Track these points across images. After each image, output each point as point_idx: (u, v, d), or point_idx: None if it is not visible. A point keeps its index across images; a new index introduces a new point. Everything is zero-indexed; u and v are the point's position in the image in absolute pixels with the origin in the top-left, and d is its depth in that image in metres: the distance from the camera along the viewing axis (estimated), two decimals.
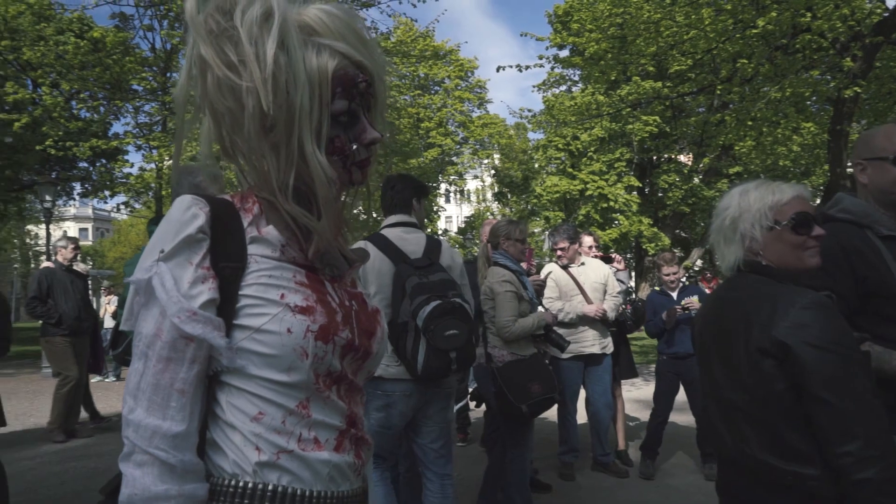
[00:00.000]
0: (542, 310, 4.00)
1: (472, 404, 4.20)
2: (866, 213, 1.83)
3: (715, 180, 17.26)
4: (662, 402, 4.64)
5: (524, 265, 3.76)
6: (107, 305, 12.37)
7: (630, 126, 15.73)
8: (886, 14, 8.11)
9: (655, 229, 17.35)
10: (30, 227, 32.15)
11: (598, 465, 4.66)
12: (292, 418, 0.83)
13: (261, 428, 0.82)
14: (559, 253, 4.66)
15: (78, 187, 17.70)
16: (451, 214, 40.57)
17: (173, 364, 0.78)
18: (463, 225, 29.36)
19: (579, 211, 18.09)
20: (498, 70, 10.72)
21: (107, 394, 8.48)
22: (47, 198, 12.59)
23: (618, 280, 4.83)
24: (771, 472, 1.42)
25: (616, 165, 17.75)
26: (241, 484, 0.81)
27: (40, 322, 5.89)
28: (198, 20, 0.79)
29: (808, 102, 10.52)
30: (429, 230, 22.80)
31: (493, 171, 25.62)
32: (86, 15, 12.62)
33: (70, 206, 34.26)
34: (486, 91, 24.55)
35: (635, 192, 18.26)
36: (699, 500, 4.06)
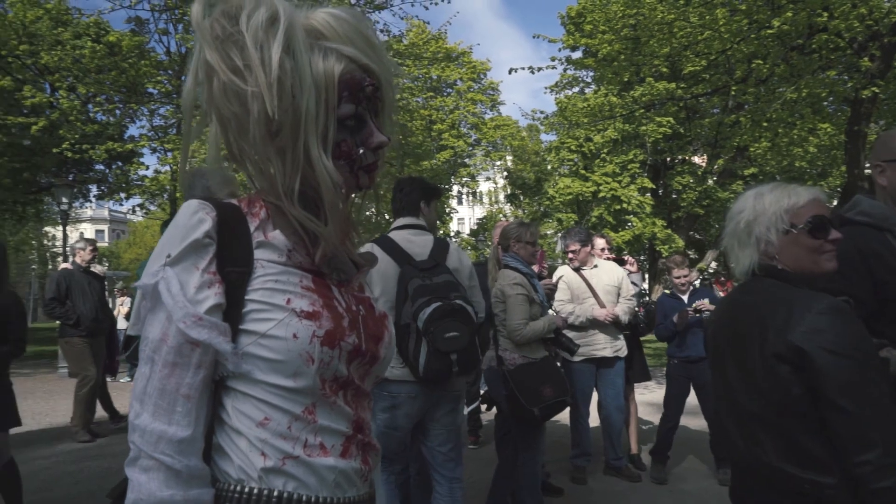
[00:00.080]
0: (552, 313, 3.98)
1: (483, 407, 4.18)
2: (885, 215, 1.80)
3: (730, 182, 17.12)
4: (673, 406, 4.59)
5: (535, 268, 3.75)
6: (120, 307, 12.50)
7: (643, 127, 15.65)
8: None
9: (669, 231, 17.24)
10: (47, 228, 32.58)
11: (610, 469, 4.62)
12: (298, 424, 0.83)
13: (266, 433, 0.81)
14: (570, 256, 4.64)
15: (94, 189, 17.96)
16: (464, 216, 40.55)
17: (179, 369, 0.78)
18: (475, 227, 29.35)
19: (592, 213, 18.02)
20: (510, 72, 10.72)
21: (122, 394, 8.55)
22: (64, 200, 12.75)
23: (631, 283, 4.80)
24: (787, 480, 1.39)
25: (629, 167, 17.67)
26: (246, 490, 0.81)
27: (57, 322, 5.95)
28: (203, 25, 0.79)
29: (825, 103, 10.38)
30: (441, 232, 22.82)
31: (505, 173, 25.60)
32: (102, 19, 12.79)
33: (86, 207, 34.74)
34: (499, 93, 24.55)
35: (649, 194, 18.15)
36: None
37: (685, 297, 4.66)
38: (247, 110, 0.80)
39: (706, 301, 4.45)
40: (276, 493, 0.81)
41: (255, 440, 0.81)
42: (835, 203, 12.71)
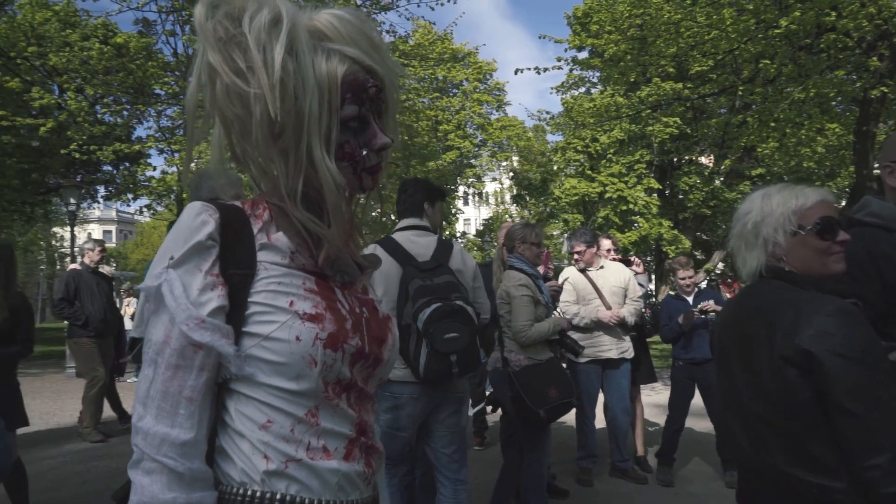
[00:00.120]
0: (557, 314, 3.96)
1: (489, 409, 4.18)
2: (895, 216, 1.78)
3: (737, 182, 17.05)
4: (678, 408, 4.57)
5: (541, 269, 3.73)
6: (126, 307, 12.55)
7: (650, 128, 15.62)
8: None
9: (676, 232, 17.18)
10: (55, 229, 32.79)
11: (616, 470, 4.61)
12: (301, 426, 0.83)
13: (269, 436, 0.81)
14: (576, 257, 4.63)
15: (102, 190, 18.08)
16: (470, 217, 40.56)
17: (182, 371, 0.78)
18: (481, 227, 29.32)
19: (598, 213, 17.98)
20: (516, 72, 10.72)
21: (129, 394, 8.60)
22: (72, 200, 12.83)
23: (637, 284, 4.78)
24: (795, 484, 1.38)
25: (636, 167, 17.62)
26: (249, 492, 0.81)
27: (65, 323, 5.98)
28: (206, 27, 0.79)
29: (833, 103, 10.34)
30: (447, 232, 22.82)
31: (511, 174, 25.55)
32: (110, 21, 12.86)
33: (94, 208, 34.92)
34: (505, 93, 24.53)
35: (655, 195, 18.09)
36: None
37: (690, 299, 4.64)
38: (249, 112, 0.80)
39: (711, 302, 4.43)
40: (278, 497, 0.81)
41: (257, 443, 0.81)
42: (843, 204, 12.64)
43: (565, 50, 14.57)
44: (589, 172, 18.28)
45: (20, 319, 3.39)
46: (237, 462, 0.82)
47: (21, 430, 3.37)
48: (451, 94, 23.28)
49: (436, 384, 2.59)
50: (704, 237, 20.18)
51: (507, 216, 26.44)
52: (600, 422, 4.60)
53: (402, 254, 2.68)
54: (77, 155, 12.13)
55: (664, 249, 16.93)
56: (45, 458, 5.07)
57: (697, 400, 4.56)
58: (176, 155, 12.62)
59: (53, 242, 36.81)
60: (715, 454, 4.74)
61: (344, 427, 0.87)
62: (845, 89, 8.95)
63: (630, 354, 4.50)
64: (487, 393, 4.34)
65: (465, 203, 34.36)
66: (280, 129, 0.81)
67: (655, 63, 10.52)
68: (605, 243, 5.02)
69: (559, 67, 12.51)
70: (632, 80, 11.72)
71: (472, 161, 24.18)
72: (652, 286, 16.46)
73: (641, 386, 5.07)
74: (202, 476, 0.79)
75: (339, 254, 0.91)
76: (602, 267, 4.62)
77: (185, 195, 12.98)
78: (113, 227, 53.52)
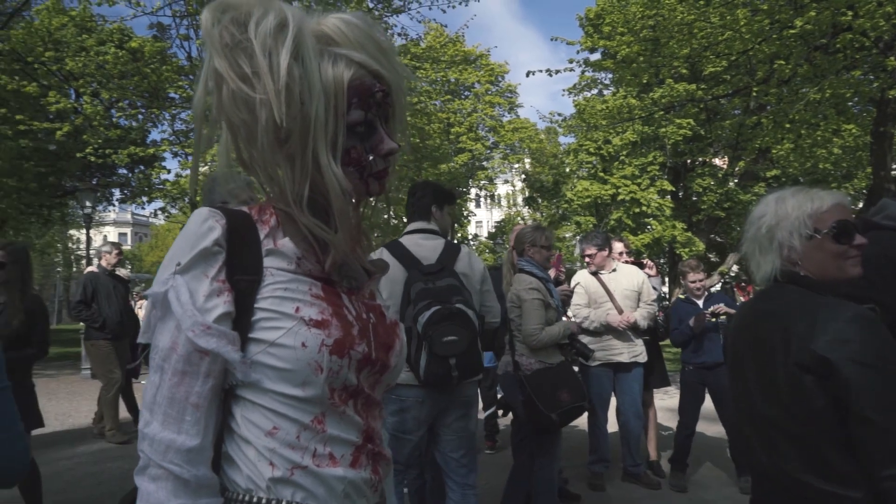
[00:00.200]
0: (567, 318, 3.94)
1: (500, 413, 4.16)
2: None
3: (752, 184, 16.88)
4: (689, 413, 4.52)
5: (552, 272, 3.71)
6: (139, 310, 12.65)
7: (663, 129, 15.51)
8: None
9: (689, 234, 17.05)
10: (72, 231, 33.18)
11: (628, 475, 4.57)
12: (307, 433, 0.82)
13: (275, 443, 0.81)
14: (587, 260, 4.61)
15: (117, 193, 18.29)
16: (482, 219, 40.54)
17: (188, 378, 0.78)
18: (493, 230, 29.29)
19: (611, 216, 17.89)
20: (528, 75, 10.72)
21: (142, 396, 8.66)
22: (87, 203, 12.98)
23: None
24: (810, 493, 1.35)
25: (649, 169, 17.51)
26: (254, 499, 0.80)
27: (81, 324, 6.03)
28: (213, 33, 0.79)
29: (850, 104, 10.20)
30: (459, 235, 22.82)
31: (523, 176, 25.51)
32: (125, 26, 13.00)
33: (110, 211, 35.33)
34: (517, 95, 24.51)
35: (668, 197, 17.97)
36: None
37: (700, 302, 4.60)
38: (255, 117, 0.79)
39: (722, 305, 4.39)
40: None
41: (263, 449, 0.81)
42: (860, 206, 12.47)
43: (577, 52, 14.54)
44: (601, 174, 18.20)
45: (36, 321, 3.43)
46: (243, 469, 0.81)
47: (36, 431, 3.40)
48: (462, 97, 23.30)
49: (437, 387, 2.58)
50: (718, 239, 20.01)
51: (519, 218, 26.40)
52: (612, 426, 4.56)
53: (408, 257, 2.68)
54: (93, 158, 12.27)
55: (678, 252, 16.81)
56: (60, 459, 5.12)
57: (709, 404, 4.51)
58: (190, 158, 12.73)
59: (70, 245, 37.26)
60: (728, 459, 4.69)
61: (350, 434, 0.86)
62: (862, 90, 8.82)
63: (643, 359, 4.46)
64: (499, 396, 4.32)
65: (477, 205, 34.34)
66: (286, 135, 0.81)
67: (668, 64, 10.45)
68: (618, 246, 4.98)
69: (571, 69, 12.49)
70: (644, 81, 11.63)
71: (484, 163, 24.18)
72: (665, 289, 16.35)
73: (655, 390, 5.03)
74: (208, 483, 0.79)
75: (346, 259, 0.91)
76: (615, 270, 4.59)
77: (198, 198, 13.08)
78: (128, 230, 54.10)
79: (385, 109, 0.87)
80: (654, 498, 4.29)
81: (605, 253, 4.57)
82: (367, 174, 0.87)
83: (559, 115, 19.14)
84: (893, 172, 8.81)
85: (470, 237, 25.91)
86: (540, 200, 23.53)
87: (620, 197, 17.29)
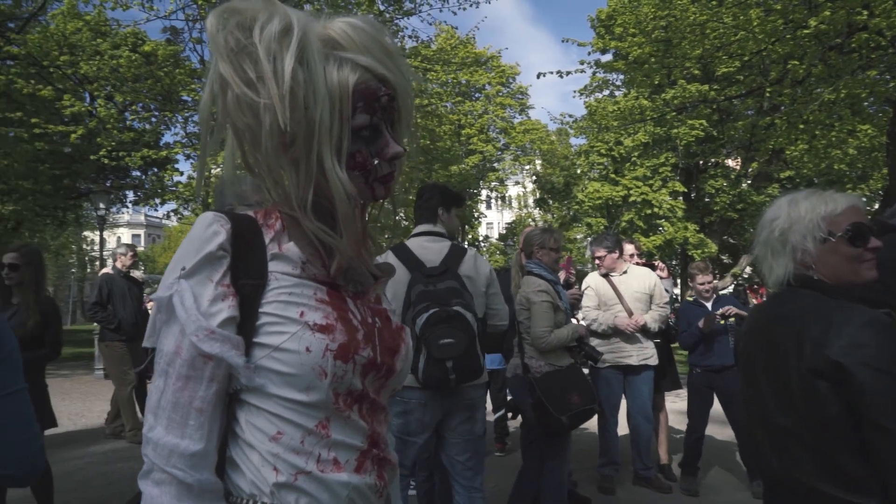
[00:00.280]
0: (575, 321, 3.92)
1: (509, 416, 4.14)
2: None
3: (765, 185, 16.73)
4: (697, 417, 4.48)
5: (562, 274, 3.69)
6: (151, 311, 12.76)
7: (675, 130, 15.41)
8: None
9: (702, 236, 16.92)
10: (86, 233, 33.55)
11: (639, 479, 4.53)
12: (311, 438, 0.82)
13: (279, 448, 0.80)
14: (597, 262, 4.58)
15: (131, 195, 18.45)
16: (493, 221, 40.50)
17: (192, 382, 0.78)
18: (504, 231, 29.25)
19: (622, 217, 17.79)
20: (539, 76, 10.69)
21: None
22: (101, 205, 13.11)
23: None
24: (824, 501, 1.33)
25: (661, 170, 17.40)
26: None
27: (94, 325, 6.07)
28: (218, 37, 0.79)
29: (865, 104, 10.08)
30: (469, 236, 22.81)
31: (534, 177, 25.47)
32: (139, 30, 13.12)
33: (123, 213, 35.66)
34: (528, 97, 24.49)
35: (680, 198, 17.85)
36: None
37: (709, 305, 4.56)
38: (259, 122, 0.79)
39: (731, 307, 4.34)
40: None
41: (267, 455, 0.80)
42: (876, 207, 12.32)
43: (589, 53, 14.54)
44: (613, 176, 18.11)
45: (49, 322, 3.46)
46: (247, 474, 0.81)
47: (49, 431, 3.44)
48: (473, 98, 23.31)
49: (436, 390, 2.57)
50: (731, 241, 19.86)
51: (530, 220, 26.36)
52: (623, 428, 4.53)
53: (412, 260, 2.68)
54: (107, 161, 12.39)
55: (690, 253, 16.68)
56: (72, 459, 5.16)
57: (718, 407, 4.47)
58: None
59: (84, 246, 37.67)
60: (739, 463, 4.65)
61: (355, 439, 0.86)
62: (878, 90, 8.71)
63: (653, 361, 4.42)
64: (508, 399, 4.30)
65: (488, 207, 34.32)
66: (290, 139, 0.81)
67: (680, 65, 10.39)
68: (629, 248, 4.95)
69: (582, 71, 12.48)
70: (656, 82, 11.57)
71: (495, 165, 24.16)
72: (677, 291, 16.23)
73: (666, 393, 4.98)
74: (211, 488, 0.78)
75: (352, 263, 0.90)
76: (626, 272, 4.56)
77: (210, 200, 13.17)
78: (141, 231, 54.64)
79: (391, 113, 0.87)
80: (665, 501, 4.26)
81: (615, 255, 4.54)
82: (373, 178, 0.86)
83: (570, 116, 19.09)
84: None
85: (481, 238, 25.88)
86: (551, 202, 23.47)
87: (632, 198, 17.20)
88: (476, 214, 24.08)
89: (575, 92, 17.45)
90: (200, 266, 0.80)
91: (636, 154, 17.67)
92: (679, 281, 17.39)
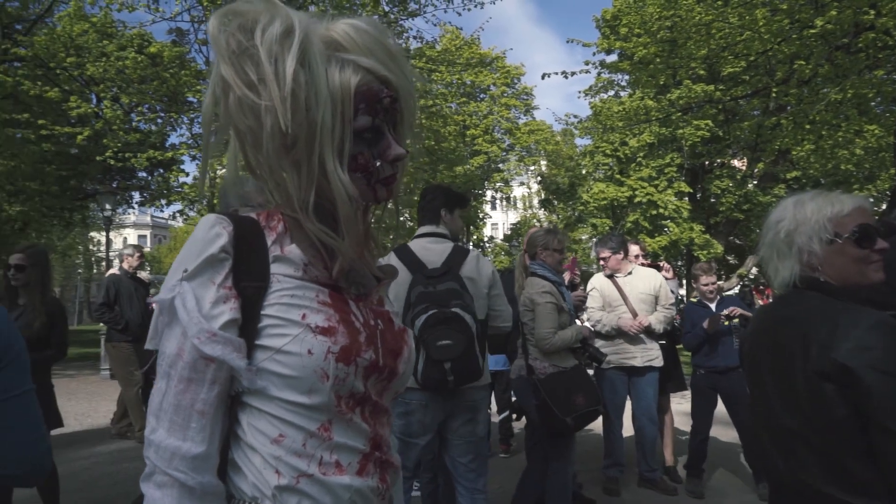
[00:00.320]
0: (579, 323, 3.91)
1: (514, 417, 4.14)
2: None
3: (771, 186, 16.65)
4: (701, 418, 4.46)
5: (567, 275, 3.69)
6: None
7: (681, 131, 15.36)
8: None
9: (707, 236, 16.86)
10: (92, 233, 33.71)
11: (644, 481, 4.51)
12: (313, 441, 0.82)
13: (281, 451, 0.80)
14: (602, 263, 4.57)
15: (137, 196, 18.52)
16: (497, 221, 40.47)
17: (194, 385, 0.78)
18: (509, 232, 29.23)
19: (627, 218, 17.74)
20: (544, 77, 10.68)
21: None
22: (108, 206, 13.17)
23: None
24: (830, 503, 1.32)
25: (666, 171, 17.34)
26: None
27: (100, 325, 6.09)
28: (220, 40, 0.79)
29: (872, 104, 10.02)
30: (475, 237, 22.81)
31: (539, 178, 25.45)
32: (145, 31, 13.17)
33: (129, 213, 35.84)
34: (533, 98, 24.50)
35: (686, 199, 17.78)
36: None
37: (713, 306, 4.54)
38: (261, 124, 0.79)
39: (736, 308, 4.33)
40: None
41: (269, 457, 0.80)
42: (884, 207, 12.25)
43: (594, 53, 14.52)
44: (618, 176, 18.07)
45: (55, 323, 3.48)
46: (249, 476, 0.81)
47: (55, 431, 3.45)
48: (478, 99, 23.33)
49: (435, 391, 2.57)
50: (737, 241, 19.78)
51: (535, 221, 26.34)
52: (628, 430, 4.51)
53: (414, 261, 2.68)
54: (113, 162, 12.46)
55: (696, 254, 16.62)
56: (78, 459, 5.19)
57: (722, 408, 4.45)
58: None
59: (90, 247, 37.85)
60: (744, 465, 4.62)
61: (357, 441, 0.86)
62: (885, 89, 8.67)
63: (658, 363, 4.40)
64: (513, 400, 4.29)
65: (493, 208, 34.33)
66: (292, 141, 0.80)
67: (686, 65, 10.37)
68: (634, 249, 4.93)
69: (587, 71, 12.46)
70: (661, 82, 11.56)
71: (500, 165, 24.18)
72: (683, 292, 16.17)
73: (672, 394, 4.96)
74: (213, 490, 0.78)
75: (354, 265, 0.90)
76: (631, 273, 4.54)
77: (215, 201, 13.22)
78: (147, 232, 54.82)
79: (393, 115, 0.87)
80: (671, 503, 4.24)
81: (620, 256, 4.53)
82: (375, 180, 0.86)
83: (575, 116, 19.06)
84: None
85: (485, 239, 25.88)
86: (556, 202, 23.44)
87: (637, 199, 17.15)
88: (481, 215, 24.08)
89: (580, 92, 17.46)
90: (202, 268, 0.80)
91: (641, 155, 17.62)
92: (685, 282, 17.33)
